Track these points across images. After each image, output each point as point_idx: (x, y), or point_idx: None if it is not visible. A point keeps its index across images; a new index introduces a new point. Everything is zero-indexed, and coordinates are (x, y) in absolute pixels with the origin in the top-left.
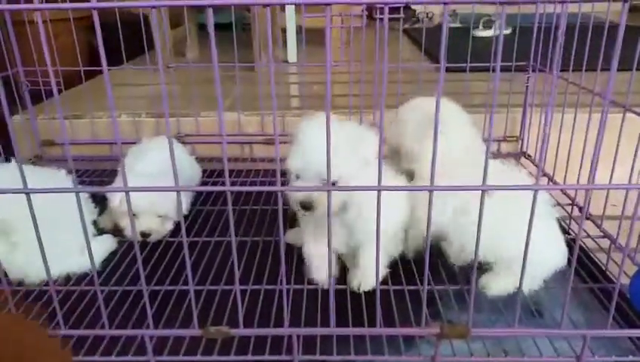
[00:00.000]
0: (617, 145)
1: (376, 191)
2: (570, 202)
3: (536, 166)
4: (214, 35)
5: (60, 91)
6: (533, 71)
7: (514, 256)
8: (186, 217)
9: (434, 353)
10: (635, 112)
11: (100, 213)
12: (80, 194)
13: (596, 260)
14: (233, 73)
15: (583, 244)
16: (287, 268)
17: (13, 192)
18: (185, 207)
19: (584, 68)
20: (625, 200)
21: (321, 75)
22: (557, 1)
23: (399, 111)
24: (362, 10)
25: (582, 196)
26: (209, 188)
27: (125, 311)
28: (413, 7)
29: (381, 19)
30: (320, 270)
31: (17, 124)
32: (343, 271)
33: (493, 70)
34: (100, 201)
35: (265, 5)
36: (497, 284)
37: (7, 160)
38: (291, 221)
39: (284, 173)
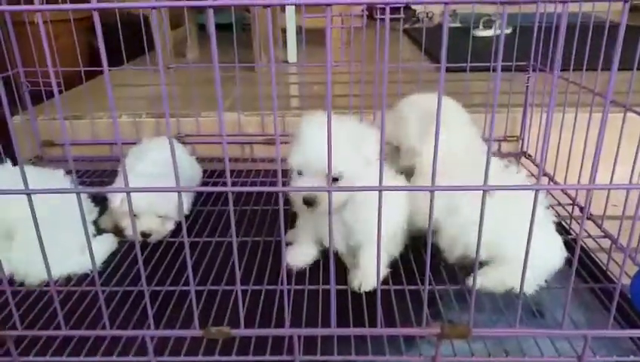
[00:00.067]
0: (618, 145)
1: (375, 191)
2: (571, 202)
3: (536, 166)
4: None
5: (60, 92)
6: (534, 70)
7: (508, 255)
8: (186, 217)
9: (435, 353)
10: (635, 112)
11: (101, 213)
12: (80, 194)
13: (597, 260)
14: (233, 73)
15: (584, 244)
16: (287, 269)
17: (14, 193)
18: (186, 207)
19: (585, 67)
20: (626, 200)
21: (321, 75)
22: (557, 0)
23: (397, 108)
24: (362, 11)
25: (583, 196)
26: (210, 188)
27: (126, 311)
28: (413, 7)
29: (381, 20)
30: (294, 255)
31: (17, 124)
32: (344, 272)
33: (494, 70)
34: (101, 202)
35: (265, 6)
36: (487, 281)
37: (3, 160)
38: (292, 221)
39: (285, 174)
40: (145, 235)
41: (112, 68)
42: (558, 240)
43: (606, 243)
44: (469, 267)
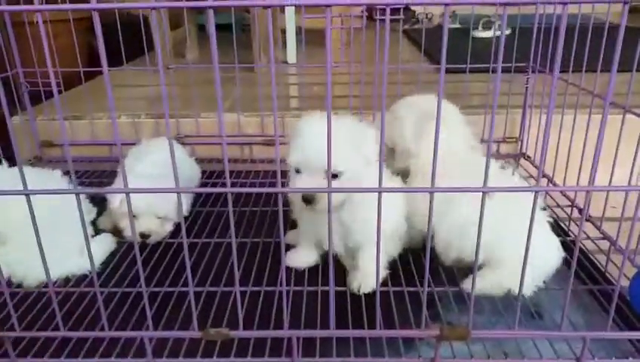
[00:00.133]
0: (617, 147)
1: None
2: (570, 203)
3: (535, 167)
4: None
5: (59, 92)
6: (533, 72)
7: (505, 256)
8: (185, 218)
9: (434, 355)
10: (634, 113)
11: (99, 214)
12: (79, 195)
13: (596, 262)
14: (233, 74)
15: (582, 246)
16: (287, 270)
17: (13, 193)
18: (185, 208)
19: (584, 69)
20: (625, 201)
21: (320, 76)
22: (557, 2)
23: (392, 110)
24: (362, 11)
25: (582, 197)
26: (209, 189)
27: (125, 312)
28: (412, 8)
29: (381, 20)
30: (295, 259)
31: (17, 125)
32: (343, 273)
33: (493, 71)
34: (100, 202)
35: (265, 7)
36: (485, 284)
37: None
38: (291, 222)
39: (284, 175)
40: (144, 236)
41: (112, 68)
42: (555, 241)
43: (605, 244)
44: (467, 269)
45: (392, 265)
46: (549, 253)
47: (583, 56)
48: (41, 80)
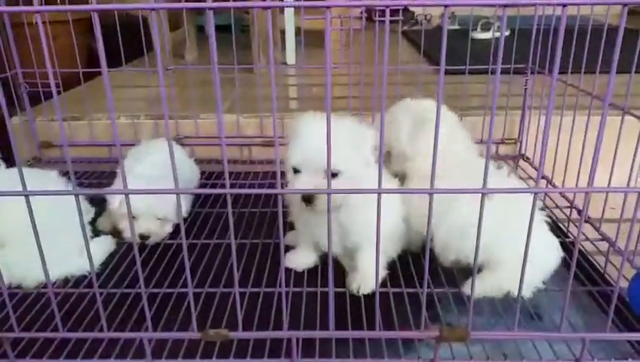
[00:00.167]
0: (616, 148)
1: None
2: (569, 205)
3: (534, 168)
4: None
5: (58, 93)
6: (532, 73)
7: (503, 258)
8: (184, 219)
9: (433, 356)
10: (633, 115)
11: (98, 214)
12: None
13: (595, 263)
14: (232, 75)
15: (581, 247)
16: (286, 271)
17: (12, 195)
18: (185, 209)
19: (583, 70)
20: (624, 203)
21: (319, 77)
22: (556, 3)
23: (389, 113)
24: (361, 13)
25: (581, 199)
26: (209, 190)
27: (124, 313)
28: (411, 9)
29: (381, 22)
30: (294, 260)
31: (15, 125)
32: (342, 274)
33: (493, 72)
34: (99, 203)
35: (264, 8)
36: (484, 286)
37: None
38: (290, 223)
39: (283, 175)
40: (143, 237)
41: (111, 69)
42: (553, 241)
43: (604, 246)
44: (466, 270)
45: (392, 266)
46: (547, 254)
47: (582, 58)
48: (40, 81)
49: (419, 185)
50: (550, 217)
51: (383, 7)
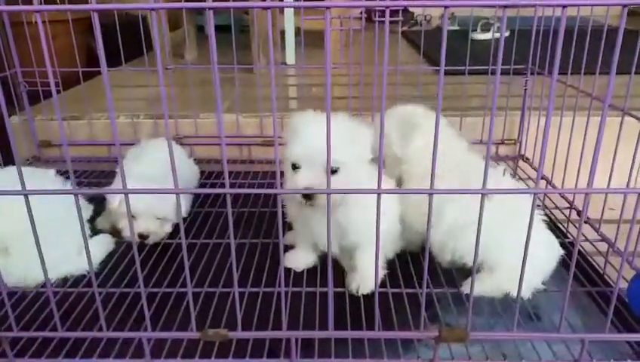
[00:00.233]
0: (615, 149)
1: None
2: (569, 205)
3: (534, 169)
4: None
5: (58, 92)
6: (532, 74)
7: (501, 258)
8: (184, 219)
9: (432, 356)
10: (633, 116)
11: (98, 214)
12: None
13: (594, 264)
14: (232, 75)
15: (581, 248)
16: (285, 271)
17: (11, 194)
18: (184, 209)
19: (582, 71)
20: (623, 203)
21: (319, 77)
22: (556, 4)
23: (377, 121)
24: (361, 13)
25: (580, 199)
26: (208, 190)
27: (123, 313)
28: (411, 9)
29: (380, 22)
30: (294, 260)
31: (15, 125)
32: (342, 275)
33: (492, 73)
34: (99, 203)
35: (264, 8)
36: (483, 287)
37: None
38: (290, 223)
39: (283, 175)
40: (143, 237)
41: (111, 69)
42: (552, 240)
43: (603, 246)
44: (465, 270)
45: (391, 266)
46: (546, 253)
47: (581, 59)
48: (39, 80)
49: (418, 184)
50: (549, 217)
51: (383, 8)
